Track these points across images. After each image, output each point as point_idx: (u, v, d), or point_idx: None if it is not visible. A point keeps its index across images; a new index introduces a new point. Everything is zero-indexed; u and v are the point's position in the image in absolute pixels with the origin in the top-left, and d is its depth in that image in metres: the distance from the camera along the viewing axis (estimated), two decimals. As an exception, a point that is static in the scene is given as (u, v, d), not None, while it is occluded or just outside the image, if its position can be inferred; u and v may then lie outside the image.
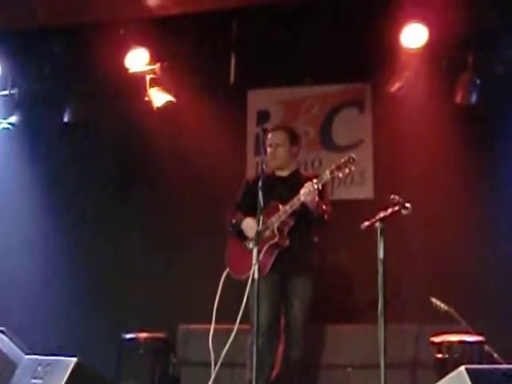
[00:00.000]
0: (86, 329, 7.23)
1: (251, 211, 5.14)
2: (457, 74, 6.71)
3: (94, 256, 7.56)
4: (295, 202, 5.26)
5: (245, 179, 5.91)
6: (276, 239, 5.31)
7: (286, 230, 5.36)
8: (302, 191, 5.20)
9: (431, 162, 6.91)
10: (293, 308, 5.42)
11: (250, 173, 7.46)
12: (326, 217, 5.41)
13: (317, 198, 5.24)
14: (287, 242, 5.34)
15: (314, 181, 5.19)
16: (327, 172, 5.18)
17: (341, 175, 5.18)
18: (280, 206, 5.34)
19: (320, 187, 5.20)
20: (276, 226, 5.32)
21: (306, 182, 5.27)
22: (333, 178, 5.37)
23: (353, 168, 5.14)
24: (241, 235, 5.51)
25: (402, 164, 6.97)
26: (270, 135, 5.63)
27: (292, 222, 5.35)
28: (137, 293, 7.29)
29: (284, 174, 5.67)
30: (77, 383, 4.36)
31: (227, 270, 5.50)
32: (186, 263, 7.32)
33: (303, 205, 5.25)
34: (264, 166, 4.96)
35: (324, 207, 5.38)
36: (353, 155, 5.17)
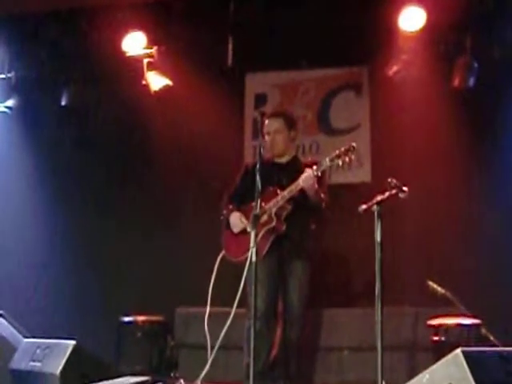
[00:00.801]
0: (84, 312, 7.25)
1: (249, 196, 5.13)
2: (454, 58, 6.70)
3: (92, 239, 7.57)
4: (293, 188, 5.27)
5: (244, 165, 5.93)
6: (273, 224, 5.32)
7: (284, 215, 5.36)
8: (302, 177, 5.21)
9: (428, 146, 6.91)
10: (290, 291, 5.43)
11: (248, 156, 7.49)
12: (323, 205, 5.42)
13: (316, 185, 5.24)
14: (284, 227, 5.34)
15: (314, 167, 5.20)
16: (327, 159, 5.18)
17: (340, 163, 5.18)
18: (278, 191, 5.35)
19: (319, 174, 5.21)
20: (274, 211, 5.32)
21: (304, 168, 5.27)
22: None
23: (353, 157, 5.15)
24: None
25: (400, 147, 6.97)
26: (266, 122, 5.57)
27: (289, 208, 5.35)
28: (135, 276, 7.30)
29: (283, 160, 5.66)
30: (75, 366, 4.38)
31: (222, 252, 5.52)
32: (184, 246, 7.33)
33: (301, 191, 5.26)
34: (262, 150, 4.95)
35: (322, 195, 5.38)
36: (353, 144, 5.16)
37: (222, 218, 5.61)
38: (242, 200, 5.49)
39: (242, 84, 7.73)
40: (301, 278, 5.43)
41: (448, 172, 6.81)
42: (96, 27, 6.90)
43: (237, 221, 5.45)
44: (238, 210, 5.52)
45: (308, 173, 5.19)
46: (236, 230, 5.43)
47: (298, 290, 5.43)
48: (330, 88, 7.61)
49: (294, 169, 5.43)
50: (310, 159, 5.90)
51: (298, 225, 5.42)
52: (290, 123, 5.66)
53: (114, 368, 4.86)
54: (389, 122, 7.13)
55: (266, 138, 5.57)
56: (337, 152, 5.15)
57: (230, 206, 5.56)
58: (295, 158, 5.72)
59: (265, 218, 5.27)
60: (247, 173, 5.57)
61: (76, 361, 4.40)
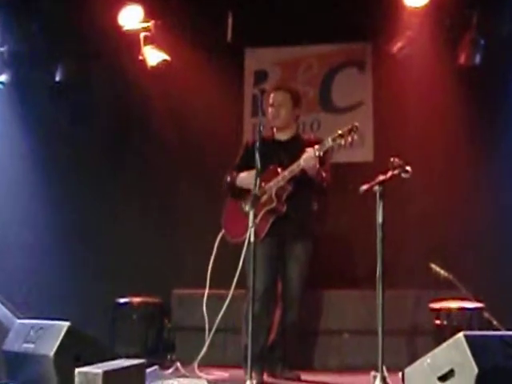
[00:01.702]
0: (78, 293, 7.25)
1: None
2: (460, 34, 6.66)
3: (87, 218, 7.57)
4: (295, 168, 5.27)
5: (245, 142, 5.92)
6: (273, 205, 5.33)
7: (284, 195, 5.37)
8: (303, 157, 5.21)
9: (433, 124, 6.90)
10: (290, 272, 5.46)
11: (247, 134, 7.47)
12: (324, 184, 5.42)
13: (317, 165, 5.24)
14: (284, 209, 5.36)
15: (316, 147, 5.20)
16: (329, 139, 5.19)
17: (343, 143, 5.19)
18: (279, 171, 5.35)
19: (321, 154, 5.22)
20: (274, 191, 5.33)
21: (306, 146, 5.28)
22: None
23: (355, 137, 5.15)
24: (235, 194, 5.53)
25: (403, 126, 6.96)
26: (272, 95, 5.62)
27: (290, 188, 5.36)
28: (131, 256, 7.30)
29: (284, 137, 5.67)
30: (69, 347, 4.39)
31: (222, 232, 5.54)
32: (181, 226, 7.35)
33: (303, 171, 5.26)
34: (261, 127, 4.95)
35: (323, 174, 5.39)
36: (356, 123, 5.17)
37: (225, 186, 5.60)
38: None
39: (241, 60, 7.71)
40: (301, 260, 5.46)
41: (453, 152, 6.82)
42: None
43: (249, 176, 5.30)
44: None
45: (309, 153, 5.19)
46: (249, 185, 5.18)
47: (298, 272, 5.45)
48: (332, 65, 7.60)
49: (295, 146, 5.43)
50: (312, 136, 5.89)
51: (300, 205, 5.43)
52: (295, 99, 5.68)
53: (109, 350, 4.88)
54: (392, 99, 7.11)
55: (270, 110, 5.59)
56: (339, 132, 5.16)
57: (235, 173, 5.57)
58: (297, 136, 5.72)
59: (265, 198, 5.28)
60: (248, 150, 5.57)
61: (70, 342, 4.41)
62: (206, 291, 5.45)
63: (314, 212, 5.59)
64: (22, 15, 7.44)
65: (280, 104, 5.58)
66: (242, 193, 5.49)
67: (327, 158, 5.50)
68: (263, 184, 5.17)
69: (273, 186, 5.34)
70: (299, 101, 5.73)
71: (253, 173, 4.93)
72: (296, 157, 5.26)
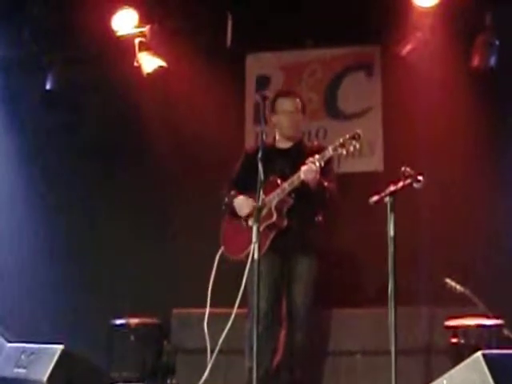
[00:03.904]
0: (73, 314, 7.26)
1: (249, 186, 5.13)
2: (474, 35, 6.67)
3: (81, 235, 7.58)
4: (295, 180, 5.25)
5: (244, 151, 5.90)
6: (273, 219, 5.30)
7: (285, 209, 5.34)
8: (303, 168, 5.18)
9: (445, 131, 6.88)
10: (294, 290, 5.43)
11: (249, 142, 7.46)
12: (327, 195, 5.38)
13: (318, 176, 5.21)
14: (285, 223, 5.33)
15: (316, 157, 5.18)
16: (330, 149, 5.19)
17: (345, 152, 5.18)
18: (279, 182, 5.32)
19: (322, 164, 5.19)
20: (274, 204, 5.30)
21: (309, 154, 5.26)
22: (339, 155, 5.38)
23: (358, 145, 5.14)
24: (234, 213, 5.51)
25: (414, 133, 6.95)
26: (281, 100, 5.64)
27: (291, 201, 5.34)
28: (128, 275, 7.30)
29: (286, 145, 5.65)
30: (64, 372, 4.39)
31: (221, 249, 5.52)
32: (180, 242, 7.33)
33: (304, 183, 5.24)
34: (264, 136, 4.94)
35: (326, 184, 5.35)
36: (358, 131, 5.16)
37: (223, 207, 5.60)
38: (245, 188, 5.48)
39: (242, 65, 7.72)
40: (306, 277, 5.43)
41: (467, 160, 6.79)
42: (83, 3, 6.87)
43: (244, 202, 5.40)
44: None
45: (309, 165, 5.16)
46: (244, 212, 5.37)
47: (303, 291, 5.42)
48: (338, 69, 7.60)
49: (298, 155, 5.41)
50: (316, 144, 5.88)
51: (302, 218, 5.40)
52: (303, 106, 5.74)
53: (105, 374, 4.87)
54: (402, 105, 7.10)
55: (282, 116, 5.57)
56: (340, 140, 5.15)
57: (233, 192, 5.55)
58: (300, 144, 5.70)
59: (264, 212, 5.22)
60: (248, 159, 5.57)
61: (64, 367, 4.41)
62: (207, 311, 5.43)
63: (318, 224, 5.56)
64: (13, 21, 7.47)
65: (293, 111, 5.60)
66: None
67: (330, 167, 5.50)
68: (263, 196, 5.15)
69: (272, 198, 5.31)
70: (305, 107, 5.81)
71: (249, 200, 5.22)
72: (299, 166, 5.23)
